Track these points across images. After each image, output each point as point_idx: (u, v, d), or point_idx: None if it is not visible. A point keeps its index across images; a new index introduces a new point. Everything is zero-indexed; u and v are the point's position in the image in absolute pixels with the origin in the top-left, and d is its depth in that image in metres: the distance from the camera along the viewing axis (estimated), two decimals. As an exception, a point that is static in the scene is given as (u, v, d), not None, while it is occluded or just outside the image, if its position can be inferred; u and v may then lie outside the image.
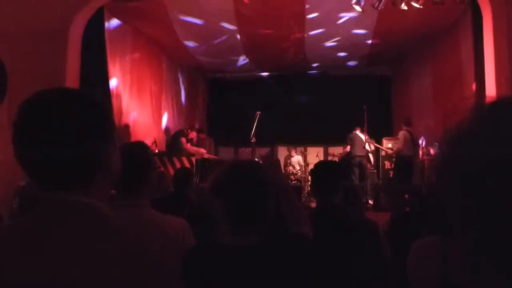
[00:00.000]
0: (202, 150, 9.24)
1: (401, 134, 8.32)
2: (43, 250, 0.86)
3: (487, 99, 0.68)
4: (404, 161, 8.11)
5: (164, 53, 9.98)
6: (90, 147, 0.94)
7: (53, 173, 0.93)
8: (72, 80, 6.59)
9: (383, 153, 9.41)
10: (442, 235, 0.87)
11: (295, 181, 9.42)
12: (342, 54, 10.05)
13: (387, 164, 9.38)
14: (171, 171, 7.63)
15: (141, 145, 2.14)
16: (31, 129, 0.93)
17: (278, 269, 1.31)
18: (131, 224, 1.02)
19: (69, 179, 0.93)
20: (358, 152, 8.94)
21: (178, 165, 7.95)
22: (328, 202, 2.47)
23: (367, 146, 8.97)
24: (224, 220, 1.41)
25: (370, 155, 9.44)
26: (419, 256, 0.94)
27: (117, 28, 7.95)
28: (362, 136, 8.92)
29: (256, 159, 8.60)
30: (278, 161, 9.46)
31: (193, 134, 9.50)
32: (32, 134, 0.92)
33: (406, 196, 4.01)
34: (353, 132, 9.18)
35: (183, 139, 9.08)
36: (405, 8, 6.49)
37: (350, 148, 9.01)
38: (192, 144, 9.32)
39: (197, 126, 10.53)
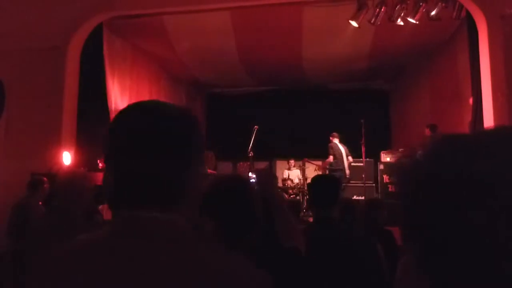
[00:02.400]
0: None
1: None
2: (128, 268, 0.81)
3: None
4: None
5: (162, 69, 10.04)
6: (181, 165, 0.89)
7: (139, 191, 0.87)
8: (70, 96, 6.62)
9: (381, 166, 9.40)
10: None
11: (294, 195, 9.39)
12: (339, 68, 10.11)
13: (386, 178, 9.35)
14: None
15: None
16: (121, 140, 0.88)
17: None
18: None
19: (152, 199, 0.87)
20: (339, 164, 8.78)
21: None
22: (325, 216, 2.46)
23: (345, 159, 8.84)
24: (214, 237, 1.40)
25: (347, 170, 9.19)
26: (402, 272, 0.94)
27: (116, 44, 8.00)
28: (342, 148, 8.85)
29: (250, 173, 8.59)
30: (272, 174, 9.34)
31: None
32: (122, 146, 0.88)
33: None
34: (332, 141, 9.04)
35: None
36: (401, 23, 6.56)
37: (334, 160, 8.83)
38: None
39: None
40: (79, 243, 0.90)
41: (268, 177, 1.85)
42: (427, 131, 8.05)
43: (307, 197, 10.03)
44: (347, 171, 9.00)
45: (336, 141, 9.04)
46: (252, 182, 1.70)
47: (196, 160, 0.93)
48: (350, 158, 9.09)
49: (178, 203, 0.90)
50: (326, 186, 2.58)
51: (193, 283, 0.79)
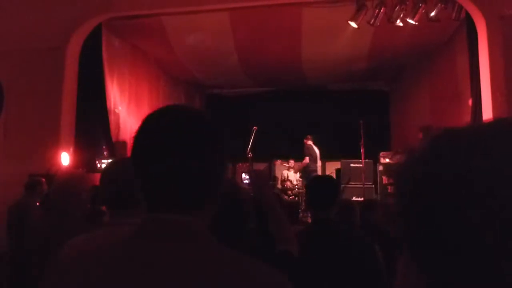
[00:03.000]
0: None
1: None
2: (151, 269, 0.81)
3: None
4: None
5: (161, 70, 10.03)
6: (211, 170, 0.89)
7: (173, 197, 0.87)
8: (69, 97, 6.61)
9: (380, 167, 9.38)
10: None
11: (293, 196, 9.38)
12: (339, 69, 10.11)
13: (385, 179, 9.34)
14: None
15: None
16: (153, 144, 0.88)
17: None
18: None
19: (185, 203, 0.87)
20: (313, 166, 8.82)
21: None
22: (323, 218, 2.44)
23: (319, 161, 8.94)
24: None
25: (319, 172, 9.30)
26: (403, 273, 0.92)
27: (115, 45, 7.99)
28: (316, 149, 8.90)
29: (245, 174, 8.59)
30: (266, 175, 9.32)
31: None
32: (157, 148, 0.87)
33: None
34: (307, 143, 9.03)
35: None
36: (401, 24, 6.55)
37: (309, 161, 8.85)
38: None
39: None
40: (101, 243, 0.91)
41: (261, 178, 1.83)
42: (421, 135, 8.06)
43: (306, 198, 10.03)
44: (319, 174, 9.28)
45: (310, 143, 9.18)
46: (246, 183, 1.69)
47: (223, 163, 0.93)
48: (319, 162, 9.44)
49: (206, 206, 0.90)
50: (323, 187, 2.57)
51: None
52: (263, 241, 1.48)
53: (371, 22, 6.56)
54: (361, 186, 8.48)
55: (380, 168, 9.31)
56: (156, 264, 0.81)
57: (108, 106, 7.53)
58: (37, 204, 4.52)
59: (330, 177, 3.30)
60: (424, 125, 7.46)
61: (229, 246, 1.25)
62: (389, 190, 8.95)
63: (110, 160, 5.39)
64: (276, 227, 1.67)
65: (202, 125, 0.91)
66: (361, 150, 8.71)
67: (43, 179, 4.94)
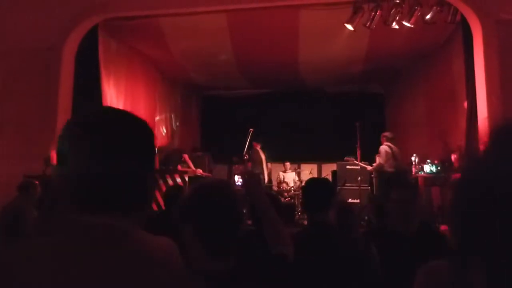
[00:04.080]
0: (199, 171, 9.22)
1: (382, 148, 8.03)
2: (69, 270, 0.81)
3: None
4: (386, 177, 7.93)
5: (158, 71, 10.01)
6: (133, 170, 0.88)
7: (100, 198, 0.86)
8: (65, 97, 6.58)
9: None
10: (449, 260, 0.85)
11: (289, 198, 9.38)
12: (335, 71, 10.12)
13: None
14: (163, 188, 7.59)
15: None
16: (83, 143, 0.87)
17: None
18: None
19: (114, 206, 0.87)
20: (259, 169, 8.97)
21: (170, 182, 7.90)
22: (319, 220, 2.44)
23: (265, 166, 9.06)
24: (196, 245, 1.37)
25: (266, 176, 9.49)
26: (427, 281, 0.92)
27: (112, 46, 7.97)
28: (262, 155, 9.00)
29: (237, 176, 8.61)
30: (259, 176, 9.38)
31: (185, 157, 9.47)
32: (84, 148, 0.87)
33: None
34: (254, 147, 9.19)
35: (186, 156, 9.18)
36: (397, 27, 6.57)
37: (252, 166, 8.97)
38: (187, 166, 9.31)
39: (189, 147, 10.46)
40: (34, 246, 0.88)
41: (253, 179, 1.82)
42: (383, 140, 8.10)
43: (302, 200, 10.03)
44: (266, 177, 9.99)
45: (258, 148, 9.60)
46: (239, 185, 1.68)
47: (153, 165, 0.93)
48: (269, 165, 9.88)
49: (138, 209, 0.90)
50: (319, 189, 2.57)
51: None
52: (256, 244, 1.48)
53: (367, 25, 6.58)
54: (357, 188, 8.49)
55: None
56: (72, 268, 0.80)
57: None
58: (31, 205, 4.50)
59: (325, 179, 3.30)
60: (458, 145, 7.28)
61: (220, 250, 1.25)
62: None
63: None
64: (269, 229, 1.67)
65: (130, 128, 0.91)
66: (357, 152, 8.72)
67: (37, 182, 4.91)
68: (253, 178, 1.82)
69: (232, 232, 1.39)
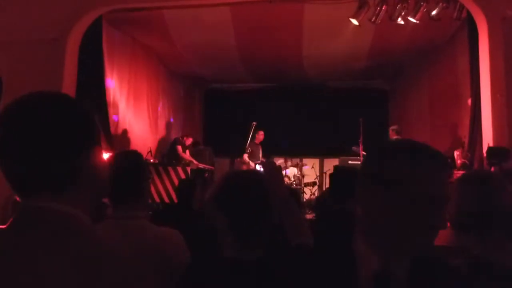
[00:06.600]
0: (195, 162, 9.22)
1: None
2: (11, 254, 0.83)
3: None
4: None
5: (161, 63, 10.00)
6: (65, 153, 0.90)
7: (27, 181, 0.89)
8: (69, 88, 6.58)
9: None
10: None
11: (291, 193, 9.40)
12: (339, 66, 10.10)
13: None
14: (167, 181, 7.61)
15: (134, 154, 2.13)
16: (2, 135, 0.91)
17: (281, 282, 1.28)
18: (117, 235, 0.99)
19: (42, 187, 0.89)
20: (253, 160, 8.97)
21: (173, 175, 7.91)
22: (345, 210, 2.41)
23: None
24: (228, 233, 1.39)
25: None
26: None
27: (115, 37, 7.96)
28: (260, 149, 9.00)
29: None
30: (280, 167, 9.29)
31: (189, 141, 9.45)
32: (3, 141, 0.90)
33: None
34: (256, 142, 9.21)
35: (179, 147, 9.06)
36: (402, 22, 6.54)
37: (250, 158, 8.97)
38: (190, 152, 9.30)
39: (191, 139, 10.41)
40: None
41: (274, 169, 1.83)
42: (392, 134, 8.13)
43: (305, 194, 10.06)
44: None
45: (258, 142, 9.55)
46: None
47: (87, 147, 0.94)
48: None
49: (69, 190, 0.91)
50: (350, 177, 2.52)
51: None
52: (277, 235, 1.49)
53: (372, 20, 6.56)
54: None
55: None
56: (13, 254, 0.83)
57: (107, 99, 7.50)
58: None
59: (354, 167, 3.20)
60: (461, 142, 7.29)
61: (253, 240, 1.28)
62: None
63: (109, 153, 5.39)
64: (290, 220, 1.68)
65: (54, 106, 0.93)
66: (360, 148, 8.72)
67: None
68: (274, 168, 1.83)
69: (264, 222, 1.40)
